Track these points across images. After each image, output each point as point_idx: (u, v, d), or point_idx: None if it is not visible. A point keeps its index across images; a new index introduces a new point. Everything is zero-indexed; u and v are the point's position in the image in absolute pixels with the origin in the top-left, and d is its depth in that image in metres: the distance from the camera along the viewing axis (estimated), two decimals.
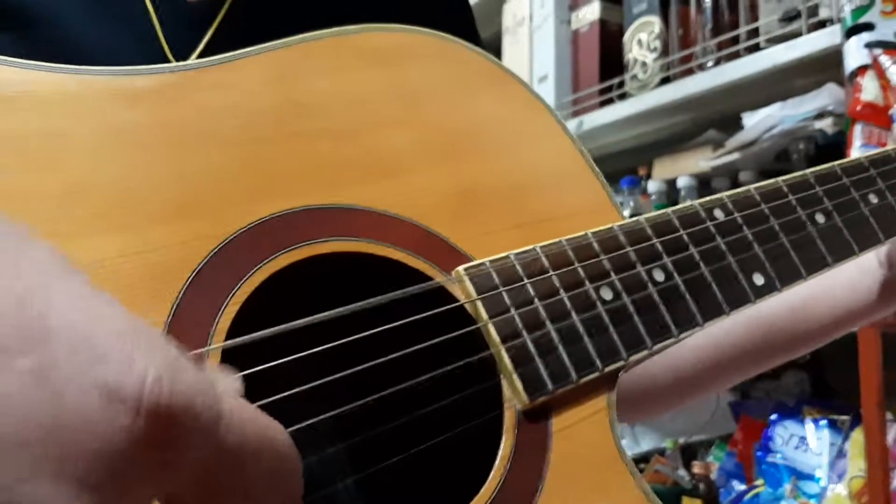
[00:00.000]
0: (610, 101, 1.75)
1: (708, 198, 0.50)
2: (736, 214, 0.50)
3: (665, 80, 1.64)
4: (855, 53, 1.20)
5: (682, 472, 1.60)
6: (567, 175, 0.50)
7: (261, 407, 0.32)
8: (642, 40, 1.69)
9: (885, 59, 1.17)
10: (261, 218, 0.40)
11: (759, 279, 0.49)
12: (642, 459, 1.70)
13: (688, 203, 0.50)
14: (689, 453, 1.71)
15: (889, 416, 1.20)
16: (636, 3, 1.71)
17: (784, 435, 1.40)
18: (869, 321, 0.62)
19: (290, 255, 0.40)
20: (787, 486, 1.34)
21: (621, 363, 0.44)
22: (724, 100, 1.55)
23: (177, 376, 0.26)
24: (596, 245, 0.45)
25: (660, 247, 0.47)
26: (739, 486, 1.47)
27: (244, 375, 0.34)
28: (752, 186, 0.52)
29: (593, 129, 1.76)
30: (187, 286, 0.37)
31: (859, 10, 1.19)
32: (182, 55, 0.55)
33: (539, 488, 0.40)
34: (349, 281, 0.41)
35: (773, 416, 1.44)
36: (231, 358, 0.37)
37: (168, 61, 0.55)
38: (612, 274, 0.45)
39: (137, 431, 0.25)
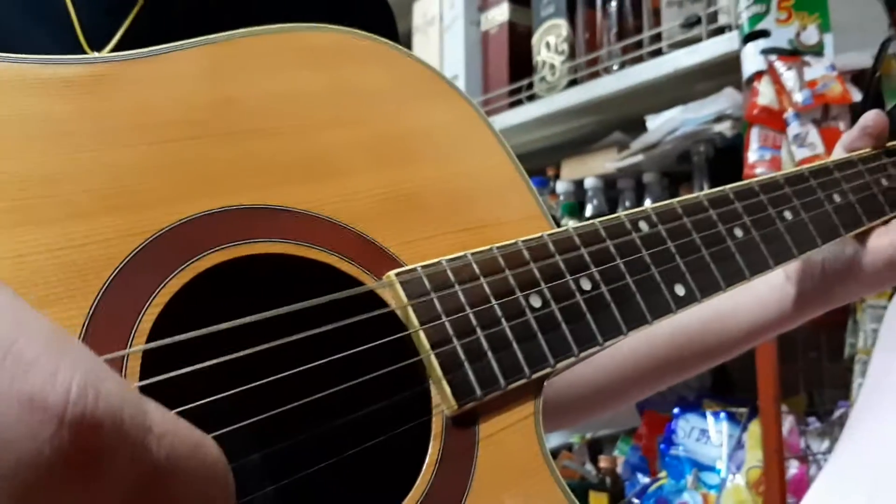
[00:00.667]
0: (519, 103, 1.77)
1: (633, 210, 0.52)
2: (660, 227, 0.51)
3: (572, 83, 1.66)
4: (752, 59, 1.25)
5: (589, 466, 1.63)
6: (500, 184, 0.51)
7: (182, 412, 0.31)
8: (550, 43, 1.72)
9: (779, 65, 1.22)
10: (188, 216, 0.39)
11: (680, 290, 0.50)
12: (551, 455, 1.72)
13: (615, 214, 0.51)
14: (595, 448, 1.75)
15: (784, 408, 1.25)
16: (544, 7, 1.73)
17: (686, 428, 1.44)
18: (779, 331, 0.66)
19: (216, 256, 0.39)
20: (689, 478, 1.38)
21: (549, 370, 0.44)
22: (628, 103, 1.59)
23: (104, 387, 0.25)
24: (526, 253, 0.46)
25: (587, 257, 0.48)
26: (644, 479, 1.51)
27: (165, 379, 0.33)
28: (675, 200, 0.53)
29: (503, 129, 1.76)
30: (108, 285, 0.35)
31: (756, 18, 1.24)
32: (97, 43, 0.53)
33: (465, 494, 0.40)
34: (277, 284, 0.40)
35: (676, 410, 1.48)
36: (152, 361, 0.35)
37: (81, 48, 0.53)
38: (542, 282, 0.46)
39: (61, 444, 0.24)
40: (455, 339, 0.42)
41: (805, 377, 1.35)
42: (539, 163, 1.85)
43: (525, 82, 1.76)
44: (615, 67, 1.57)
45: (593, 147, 1.72)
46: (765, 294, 0.63)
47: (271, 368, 0.37)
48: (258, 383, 0.37)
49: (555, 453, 1.72)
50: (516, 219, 0.50)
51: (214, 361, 0.36)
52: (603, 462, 1.53)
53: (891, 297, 1.21)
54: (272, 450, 0.40)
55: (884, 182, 0.63)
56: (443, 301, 0.43)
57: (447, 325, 0.42)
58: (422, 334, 0.41)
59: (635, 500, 1.43)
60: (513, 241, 0.46)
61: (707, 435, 1.41)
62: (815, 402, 1.39)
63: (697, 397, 1.52)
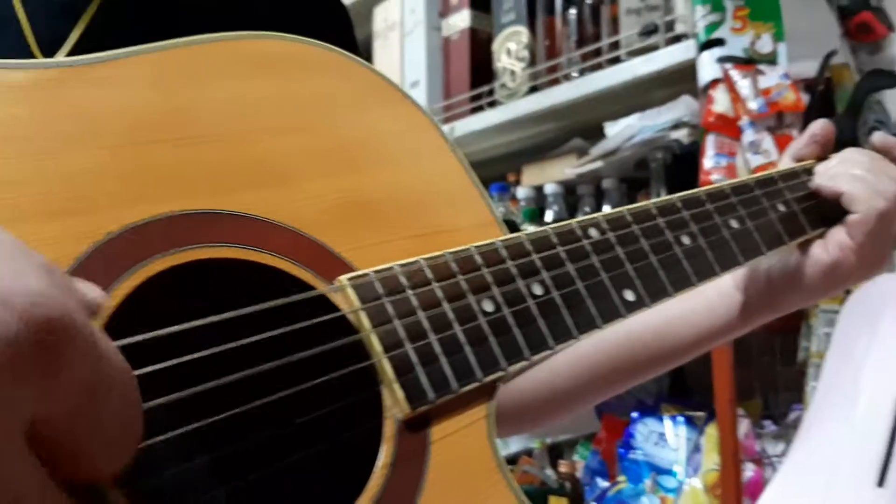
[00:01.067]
0: (480, 109, 1.78)
1: (584, 217, 0.52)
2: (609, 234, 0.52)
3: (533, 89, 1.67)
4: (708, 67, 1.27)
5: (549, 471, 1.64)
6: (453, 191, 0.51)
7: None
8: (511, 49, 1.72)
9: (735, 73, 1.24)
10: (138, 221, 0.38)
11: (629, 295, 0.51)
12: (511, 461, 1.73)
13: (565, 221, 0.52)
14: (555, 453, 1.76)
15: (740, 412, 1.27)
16: (505, 13, 1.74)
17: (644, 432, 1.45)
18: (729, 338, 0.67)
19: (166, 260, 0.38)
20: (648, 482, 1.40)
21: (501, 373, 0.45)
22: (587, 109, 1.60)
23: (65, 295, 0.27)
24: (478, 258, 0.46)
25: (539, 262, 0.48)
26: (603, 483, 1.52)
27: None
28: (625, 208, 0.54)
29: (464, 135, 1.78)
30: None
31: (712, 26, 1.26)
32: (50, 48, 0.52)
33: (416, 497, 0.41)
34: (228, 288, 0.40)
35: (635, 414, 1.49)
36: None
37: (32, 54, 0.52)
38: (494, 287, 0.46)
39: (21, 338, 0.25)
40: (407, 343, 0.42)
41: (760, 381, 1.37)
42: (500, 169, 1.85)
43: (486, 88, 1.77)
44: (575, 74, 1.58)
45: (553, 153, 1.73)
46: (714, 302, 0.65)
47: (222, 373, 0.37)
48: (207, 386, 0.36)
49: (515, 458, 1.73)
50: (469, 225, 0.50)
51: (163, 365, 0.35)
52: (563, 467, 1.53)
53: (843, 302, 1.23)
54: (224, 452, 0.40)
55: None
56: (395, 305, 0.43)
57: (399, 328, 0.42)
58: (374, 338, 0.41)
59: None
60: (465, 246, 0.47)
61: (665, 439, 1.42)
62: (770, 406, 1.42)
63: (655, 402, 1.54)
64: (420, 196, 0.49)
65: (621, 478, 1.45)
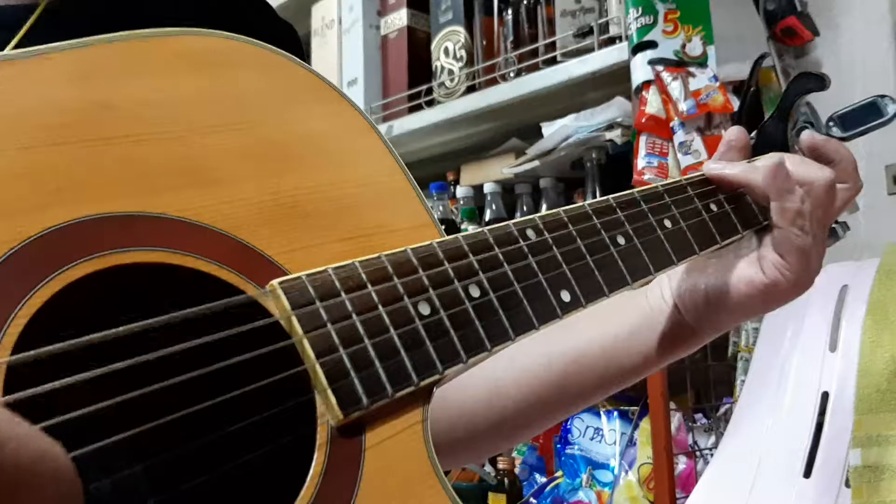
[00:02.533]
0: (419, 108, 1.78)
1: (522, 218, 0.53)
2: (546, 235, 0.52)
3: (471, 89, 1.68)
4: (640, 69, 1.29)
5: (488, 468, 1.65)
6: (389, 193, 0.51)
7: (49, 427, 0.30)
8: (449, 49, 1.73)
9: (666, 75, 1.26)
10: (59, 224, 0.37)
11: (566, 296, 0.51)
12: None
13: (503, 221, 0.52)
14: None
15: (672, 405, 1.29)
16: (442, 13, 1.75)
17: (581, 427, 1.47)
18: (676, 358, 0.68)
19: (89, 265, 0.37)
20: (584, 476, 1.42)
21: (437, 377, 0.44)
22: (525, 110, 1.62)
23: None
24: (415, 260, 0.46)
25: (476, 264, 0.48)
26: (541, 479, 1.54)
27: (30, 395, 0.32)
28: (561, 210, 0.55)
29: (403, 134, 1.78)
30: None
31: (644, 29, 1.28)
32: None
33: (352, 502, 0.40)
34: (154, 293, 0.39)
35: None
36: (19, 375, 0.34)
37: None
38: (430, 289, 0.46)
39: None
40: (341, 348, 0.41)
41: (692, 376, 1.40)
42: (439, 168, 1.86)
43: (424, 87, 1.77)
44: (511, 75, 1.60)
45: (491, 153, 1.74)
46: (660, 320, 0.65)
47: (150, 380, 0.36)
48: (133, 395, 0.36)
49: None
50: (405, 227, 0.50)
51: (86, 375, 0.34)
52: (501, 463, 1.54)
53: None
54: (152, 462, 0.39)
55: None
56: (328, 310, 0.42)
57: (333, 333, 0.41)
58: (306, 343, 0.41)
59: (532, 501, 1.45)
60: (401, 248, 0.46)
61: (601, 433, 1.45)
62: (701, 400, 1.45)
63: None
64: (355, 197, 0.49)
65: (559, 473, 1.47)
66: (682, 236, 0.59)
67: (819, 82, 0.73)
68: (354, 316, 0.42)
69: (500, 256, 0.49)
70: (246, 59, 0.48)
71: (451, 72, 1.72)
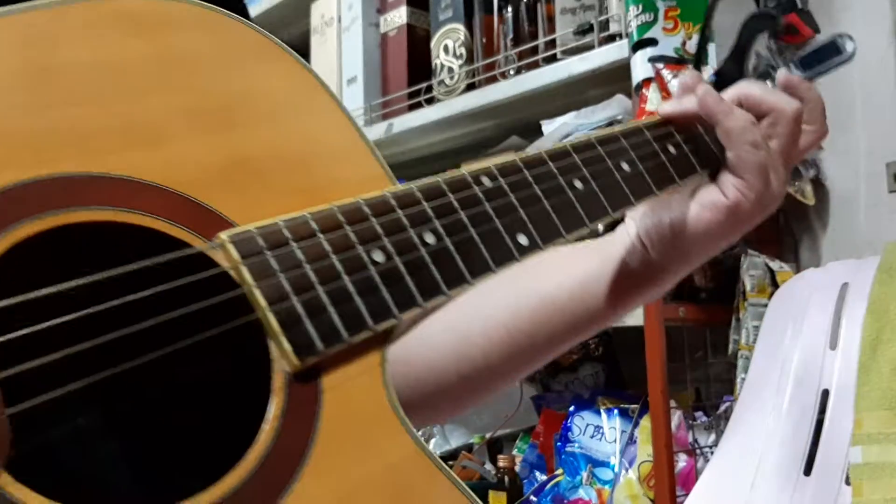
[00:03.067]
0: (419, 105, 1.78)
1: (476, 166, 0.52)
2: (501, 181, 0.52)
3: (471, 87, 1.68)
4: (640, 67, 1.29)
5: (488, 466, 1.65)
6: (340, 147, 0.50)
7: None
8: (448, 47, 1.73)
9: (666, 73, 1.26)
10: (2, 186, 0.37)
11: (523, 240, 0.51)
12: (451, 456, 1.74)
13: (458, 171, 0.52)
14: (495, 447, 1.77)
15: (673, 403, 1.29)
16: (442, 11, 1.74)
17: (581, 425, 1.47)
18: (648, 299, 0.67)
19: (33, 226, 0.37)
20: (584, 474, 1.42)
21: (393, 321, 0.44)
22: (525, 107, 1.62)
23: None
24: (366, 209, 0.46)
25: (430, 211, 0.48)
26: (541, 477, 1.54)
27: None
28: (516, 155, 0.54)
29: (403, 132, 1.78)
30: None
31: (644, 27, 1.28)
32: None
33: (309, 447, 0.41)
34: (102, 252, 0.39)
35: (572, 408, 1.52)
36: None
37: None
38: (384, 237, 0.46)
39: None
40: (293, 296, 0.41)
41: (692, 373, 1.40)
42: (439, 166, 1.86)
43: (424, 85, 1.77)
44: (511, 72, 1.59)
45: (491, 151, 1.74)
46: (627, 260, 0.65)
47: (101, 335, 0.37)
48: (82, 347, 0.36)
49: (455, 454, 1.74)
50: (358, 179, 0.49)
51: (40, 326, 0.35)
52: (502, 461, 1.54)
53: (771, 296, 1.27)
54: (112, 413, 0.39)
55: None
56: (279, 259, 0.42)
57: (284, 281, 0.42)
58: (257, 292, 0.41)
59: (533, 499, 1.45)
60: (353, 198, 0.46)
61: (601, 431, 1.45)
62: (701, 398, 1.45)
63: (592, 395, 1.56)
64: (305, 152, 0.48)
65: (559, 471, 1.47)
66: (639, 178, 0.59)
67: (770, 21, 0.73)
68: (305, 264, 0.43)
69: (455, 202, 0.49)
70: (189, 19, 0.47)
71: (450, 69, 1.72)
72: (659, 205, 0.64)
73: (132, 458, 0.44)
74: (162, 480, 0.46)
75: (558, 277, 0.66)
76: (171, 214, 0.41)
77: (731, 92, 0.65)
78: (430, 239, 0.47)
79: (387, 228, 0.46)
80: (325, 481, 0.41)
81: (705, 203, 0.62)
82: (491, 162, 0.52)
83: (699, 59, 0.73)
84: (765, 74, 0.72)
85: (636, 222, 0.65)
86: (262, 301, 0.41)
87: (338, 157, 0.50)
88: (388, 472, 0.43)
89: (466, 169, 0.51)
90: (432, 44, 1.77)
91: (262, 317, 0.41)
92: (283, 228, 0.43)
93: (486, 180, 0.51)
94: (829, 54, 0.72)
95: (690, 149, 0.64)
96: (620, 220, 0.67)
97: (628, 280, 0.65)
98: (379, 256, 0.45)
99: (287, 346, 0.41)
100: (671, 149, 0.63)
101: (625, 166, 0.59)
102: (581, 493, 1.39)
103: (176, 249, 0.41)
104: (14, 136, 0.38)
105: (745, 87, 0.65)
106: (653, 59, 1.27)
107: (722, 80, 0.71)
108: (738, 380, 1.28)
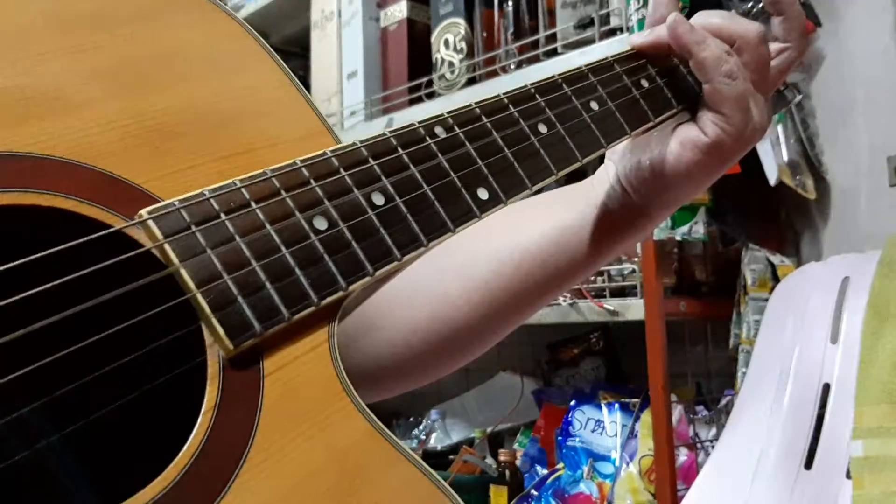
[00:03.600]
0: (419, 100, 1.78)
1: (430, 116, 0.48)
2: (458, 131, 0.48)
3: (472, 81, 1.68)
4: None
5: (489, 460, 1.65)
6: (272, 103, 0.46)
7: None
8: (449, 41, 1.73)
9: None
10: None
11: (483, 194, 0.47)
12: (452, 451, 1.74)
13: (408, 123, 0.47)
14: (496, 442, 1.77)
15: (673, 397, 1.30)
16: (442, 5, 1.74)
17: (582, 419, 1.47)
18: (632, 241, 0.64)
19: None
20: (585, 468, 1.42)
21: (340, 293, 0.41)
22: None
23: None
24: (306, 172, 0.42)
25: (377, 169, 0.44)
26: (542, 471, 1.54)
27: None
28: (473, 102, 0.50)
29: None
30: None
31: (645, 20, 1.28)
32: None
33: (251, 436, 0.38)
34: (13, 239, 0.36)
35: (573, 402, 1.52)
36: None
37: None
38: (326, 201, 0.42)
39: None
40: (225, 274, 0.38)
41: (693, 368, 1.41)
42: None
43: (424, 80, 1.77)
44: (512, 66, 1.59)
45: None
46: (607, 205, 0.62)
47: (22, 326, 0.34)
48: (4, 339, 0.33)
49: (456, 448, 1.74)
50: (294, 138, 0.45)
51: None
52: (503, 455, 1.55)
53: (772, 290, 1.27)
54: (36, 407, 0.37)
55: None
56: (207, 234, 0.38)
57: (213, 258, 0.38)
58: (184, 272, 0.37)
59: (534, 493, 1.46)
60: (290, 161, 0.42)
61: (602, 425, 1.45)
62: (702, 392, 1.45)
63: (593, 389, 1.56)
64: (233, 111, 0.44)
65: (560, 465, 1.47)
66: (610, 117, 0.55)
67: None
68: (238, 238, 0.39)
69: (405, 158, 0.45)
70: None
71: (451, 64, 1.72)
72: (638, 145, 0.60)
73: (65, 460, 0.41)
74: (96, 481, 0.43)
75: (539, 227, 0.63)
76: (83, 192, 0.38)
77: (693, 21, 0.60)
78: (378, 200, 0.43)
79: (329, 192, 0.42)
80: (265, 476, 0.37)
81: (685, 142, 0.58)
82: (446, 110, 0.48)
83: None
84: None
85: (615, 164, 0.62)
86: (190, 282, 0.37)
87: (269, 113, 0.45)
88: (336, 459, 0.39)
89: (419, 121, 0.47)
90: (433, 38, 1.76)
91: (191, 299, 0.37)
92: (210, 199, 0.39)
93: (439, 131, 0.47)
94: None
95: (666, 82, 0.59)
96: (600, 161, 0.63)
97: (610, 225, 0.62)
98: (321, 224, 0.41)
99: (220, 329, 0.37)
100: (644, 83, 0.58)
101: (594, 105, 0.54)
102: (582, 487, 1.39)
103: (93, 230, 0.37)
104: None
105: (705, 17, 0.60)
106: None
107: (698, 4, 0.65)
108: (739, 374, 1.28)
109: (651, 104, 0.58)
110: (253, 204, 0.40)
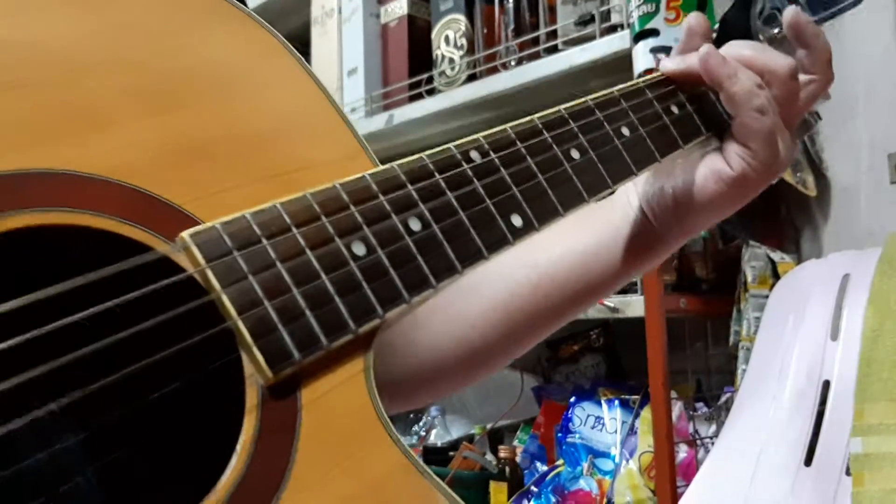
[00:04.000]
0: (419, 96, 1.77)
1: (465, 139, 0.48)
2: (493, 155, 0.48)
3: (472, 78, 1.68)
4: (642, 57, 1.29)
5: (489, 456, 1.65)
6: (311, 123, 0.46)
7: None
8: (449, 37, 1.72)
9: None
10: None
11: (517, 220, 0.47)
12: (452, 447, 1.74)
13: (444, 146, 0.47)
14: (496, 438, 1.77)
15: (673, 394, 1.30)
16: (443, 1, 1.74)
17: (582, 416, 1.47)
18: (647, 267, 0.65)
19: None
20: (585, 465, 1.42)
21: (377, 321, 0.41)
22: (526, 98, 1.61)
23: None
24: (345, 196, 0.42)
25: (415, 194, 0.44)
26: (542, 467, 1.54)
27: None
28: (508, 126, 0.50)
29: (403, 123, 1.78)
30: None
31: (646, 17, 1.28)
32: None
33: (288, 467, 0.37)
34: (53, 260, 0.35)
35: (573, 399, 1.52)
36: None
37: None
38: (364, 226, 0.42)
39: None
40: (265, 300, 0.38)
41: (693, 365, 1.41)
42: None
43: (425, 76, 1.77)
44: (513, 63, 1.59)
45: None
46: (625, 230, 0.62)
47: (60, 351, 0.33)
48: (43, 370, 0.32)
49: (456, 444, 1.74)
50: (333, 159, 0.45)
51: None
52: (502, 452, 1.55)
53: (772, 287, 1.27)
54: (74, 436, 0.37)
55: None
56: (248, 259, 0.38)
57: (255, 285, 0.38)
58: (225, 298, 0.37)
59: (533, 489, 1.46)
60: (329, 184, 0.41)
61: (602, 422, 1.45)
62: (702, 389, 1.45)
63: (593, 386, 1.56)
64: (272, 131, 0.44)
65: (560, 461, 1.47)
66: (641, 143, 0.55)
67: None
68: (279, 263, 0.38)
69: (442, 183, 0.45)
70: None
71: (451, 60, 1.72)
72: (661, 171, 0.61)
73: (108, 486, 0.40)
74: None
75: (557, 250, 0.63)
76: (123, 211, 0.37)
77: (723, 52, 0.61)
78: (415, 226, 0.43)
79: (368, 217, 0.42)
80: None
81: (710, 174, 0.58)
82: (481, 134, 0.48)
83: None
84: (771, 19, 0.68)
85: (637, 188, 0.62)
86: (232, 309, 0.37)
87: (308, 134, 0.45)
88: (372, 490, 0.39)
89: (454, 144, 0.47)
90: (433, 34, 1.76)
91: (232, 326, 0.37)
92: (252, 223, 0.39)
93: (475, 155, 0.47)
94: None
95: (695, 109, 0.59)
96: None
97: (629, 249, 0.62)
98: (360, 249, 0.41)
99: (260, 357, 0.37)
100: (674, 109, 0.58)
101: (625, 131, 0.54)
102: (582, 483, 1.40)
103: (133, 251, 0.37)
104: None
105: (737, 48, 0.60)
106: (654, 50, 1.27)
107: (726, 28, 0.66)
108: (739, 371, 1.28)
109: (680, 130, 0.58)
110: (293, 228, 0.40)
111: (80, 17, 0.40)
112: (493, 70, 1.62)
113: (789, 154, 0.60)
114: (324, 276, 0.39)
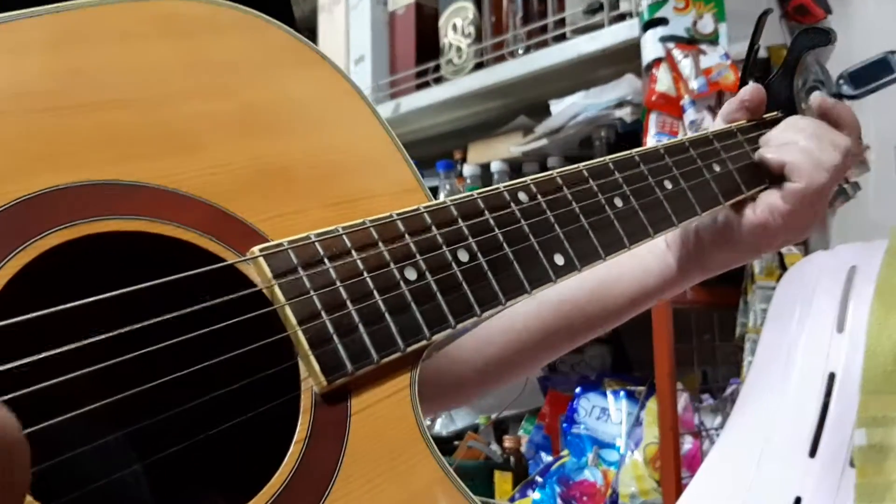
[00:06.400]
0: (426, 85, 1.77)
1: (514, 181, 0.51)
2: (540, 199, 0.51)
3: (479, 66, 1.67)
4: (651, 46, 1.28)
5: (494, 446, 1.66)
6: (374, 157, 0.50)
7: (26, 395, 0.31)
8: (457, 25, 1.72)
9: (677, 53, 1.25)
10: (31, 193, 0.36)
11: (560, 259, 0.50)
12: (457, 437, 1.74)
13: (494, 186, 0.51)
14: (501, 428, 1.78)
15: (679, 386, 1.29)
16: None
17: (587, 406, 1.47)
18: (663, 298, 0.68)
19: (64, 233, 0.37)
20: (590, 455, 1.42)
21: (424, 342, 0.44)
22: (533, 87, 1.61)
23: None
24: (401, 225, 0.45)
25: (465, 229, 0.47)
26: (547, 458, 1.54)
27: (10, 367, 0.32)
28: (555, 172, 0.53)
29: (410, 112, 1.77)
30: None
31: (655, 6, 1.27)
32: None
33: (336, 470, 0.40)
34: (132, 263, 0.38)
35: (578, 389, 1.52)
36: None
37: None
38: (417, 254, 0.45)
39: None
40: (324, 314, 0.41)
41: (699, 356, 1.40)
42: (446, 146, 1.85)
43: (432, 64, 1.76)
44: (520, 52, 1.58)
45: (499, 131, 1.73)
46: (647, 262, 0.65)
47: (132, 350, 0.36)
48: (110, 363, 0.35)
49: (461, 434, 1.74)
50: (392, 192, 0.49)
51: (70, 347, 0.34)
52: (507, 442, 1.55)
53: (779, 279, 1.26)
54: (140, 429, 0.39)
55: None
56: (311, 277, 0.42)
57: (315, 299, 0.41)
58: (288, 310, 0.40)
59: (538, 479, 1.46)
60: (387, 214, 0.45)
61: (607, 413, 1.45)
62: (708, 380, 1.45)
63: (598, 377, 1.56)
64: (339, 162, 0.48)
65: (565, 452, 1.47)
66: (682, 197, 0.59)
67: (824, 36, 0.71)
68: (338, 283, 0.42)
69: (491, 221, 0.48)
70: (225, 22, 0.47)
71: (459, 48, 1.71)
72: None
73: (157, 479, 0.43)
74: (187, 502, 0.45)
75: (580, 276, 0.67)
76: (201, 225, 0.41)
77: (790, 136, 0.64)
78: (464, 257, 0.47)
79: (421, 247, 0.45)
80: None
81: (735, 217, 0.62)
82: (529, 177, 0.52)
83: (744, 76, 0.71)
84: (814, 90, 0.70)
85: None
86: (293, 319, 0.40)
87: (371, 167, 0.49)
88: (414, 500, 0.42)
89: (505, 185, 0.51)
90: (441, 22, 1.75)
91: (292, 335, 0.40)
92: (316, 244, 0.42)
93: (523, 196, 0.51)
94: (881, 72, 0.71)
95: (735, 168, 0.63)
96: None
97: (646, 282, 0.65)
98: (412, 275, 0.44)
99: (316, 365, 0.40)
100: (716, 167, 0.62)
101: (668, 184, 0.58)
102: (586, 474, 1.40)
103: (206, 262, 0.40)
104: (45, 140, 0.37)
105: (794, 123, 0.64)
106: (663, 39, 1.26)
107: (770, 96, 0.69)
108: (745, 363, 1.28)
109: (722, 187, 0.61)
110: (354, 252, 0.43)
111: (180, 49, 0.44)
112: (501, 58, 1.62)
113: (822, 221, 0.64)
114: (377, 297, 0.43)
